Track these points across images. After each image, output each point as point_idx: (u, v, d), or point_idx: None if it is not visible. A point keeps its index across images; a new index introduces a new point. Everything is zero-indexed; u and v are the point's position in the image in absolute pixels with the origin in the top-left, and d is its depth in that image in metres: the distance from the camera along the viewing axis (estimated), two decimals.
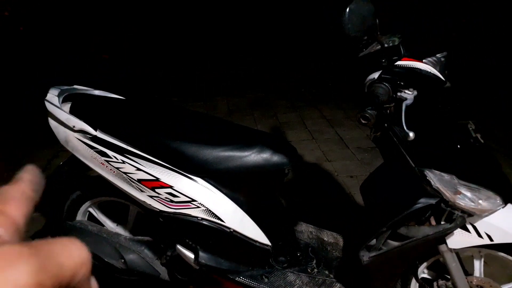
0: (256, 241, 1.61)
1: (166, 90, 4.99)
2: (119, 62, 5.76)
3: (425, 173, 1.30)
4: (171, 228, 1.61)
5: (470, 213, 1.37)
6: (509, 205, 1.43)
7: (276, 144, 1.60)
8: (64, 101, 1.69)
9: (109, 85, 1.91)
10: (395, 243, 1.44)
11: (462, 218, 1.36)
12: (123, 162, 1.54)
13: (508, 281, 1.61)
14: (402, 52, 1.23)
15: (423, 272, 1.67)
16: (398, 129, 1.28)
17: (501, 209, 1.40)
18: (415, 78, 1.22)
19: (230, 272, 1.61)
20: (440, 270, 1.63)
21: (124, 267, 1.69)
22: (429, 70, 1.23)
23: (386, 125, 1.31)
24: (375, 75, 1.26)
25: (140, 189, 1.56)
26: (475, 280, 1.57)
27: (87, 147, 1.58)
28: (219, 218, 1.54)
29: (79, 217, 1.91)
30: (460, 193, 1.33)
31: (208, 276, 1.64)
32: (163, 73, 5.51)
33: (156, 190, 1.53)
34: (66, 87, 1.76)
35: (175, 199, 1.53)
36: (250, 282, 1.61)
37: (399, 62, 1.22)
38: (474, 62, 4.73)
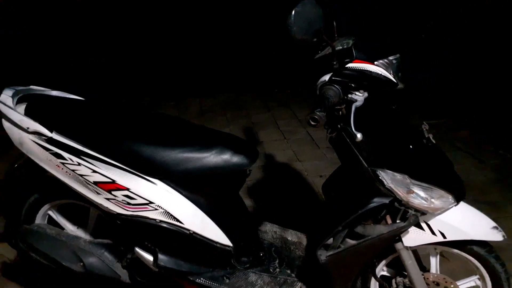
0: (217, 242, 1.61)
1: (138, 90, 4.94)
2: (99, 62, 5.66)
3: (378, 173, 1.32)
4: (129, 230, 1.59)
5: (423, 212, 1.40)
6: (461, 203, 1.47)
7: (236, 145, 1.60)
8: (19, 101, 1.65)
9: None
10: (353, 242, 1.46)
11: (416, 217, 1.39)
12: (79, 164, 1.51)
13: (466, 277, 1.64)
14: (354, 54, 1.24)
15: (382, 270, 1.70)
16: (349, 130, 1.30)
17: (453, 207, 1.43)
18: (365, 80, 1.24)
19: (191, 274, 1.60)
20: (398, 267, 1.66)
21: (83, 270, 1.66)
22: (380, 72, 1.25)
23: (339, 126, 1.32)
24: (327, 77, 1.27)
25: (96, 192, 1.53)
26: (431, 277, 1.60)
27: (42, 149, 1.54)
28: (178, 220, 1.53)
29: (38, 220, 1.86)
30: (413, 192, 1.36)
31: (169, 279, 1.63)
32: (136, 72, 5.44)
33: (113, 192, 1.51)
34: (21, 88, 1.71)
35: (132, 202, 1.51)
36: (210, 284, 1.60)
37: (350, 65, 1.24)
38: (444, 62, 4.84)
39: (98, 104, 1.76)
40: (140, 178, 1.51)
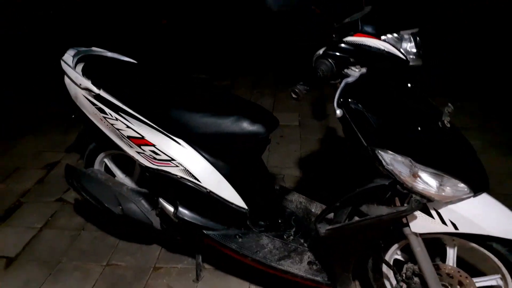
0: (233, 203, 1.71)
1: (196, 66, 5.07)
2: (177, 28, 5.94)
3: (377, 153, 1.27)
4: (155, 182, 1.76)
5: (430, 199, 1.32)
6: (483, 195, 1.36)
7: (255, 113, 1.65)
8: (80, 61, 1.89)
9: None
10: (353, 220, 1.45)
11: (418, 203, 1.33)
12: (116, 119, 1.70)
13: (483, 275, 1.53)
14: (360, 27, 1.20)
15: (396, 254, 1.65)
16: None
17: (470, 198, 1.33)
18: (362, 55, 1.19)
19: (206, 228, 1.73)
20: (412, 253, 1.60)
21: (121, 213, 1.89)
22: (383, 48, 1.18)
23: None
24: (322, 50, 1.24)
25: (129, 145, 1.72)
26: (445, 268, 1.52)
27: (90, 104, 1.77)
28: (196, 178, 1.66)
29: (96, 165, 2.15)
30: (417, 176, 1.29)
31: (187, 230, 1.79)
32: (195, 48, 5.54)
33: (142, 147, 1.69)
34: (83, 48, 1.96)
35: (157, 157, 1.67)
36: (222, 240, 1.72)
37: (348, 38, 1.19)
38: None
39: (144, 68, 1.94)
40: (165, 137, 1.66)
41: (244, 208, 1.72)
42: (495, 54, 4.84)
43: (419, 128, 1.28)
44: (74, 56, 1.87)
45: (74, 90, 1.82)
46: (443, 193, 1.30)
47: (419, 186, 1.30)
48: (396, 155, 1.27)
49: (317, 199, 2.00)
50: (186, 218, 1.71)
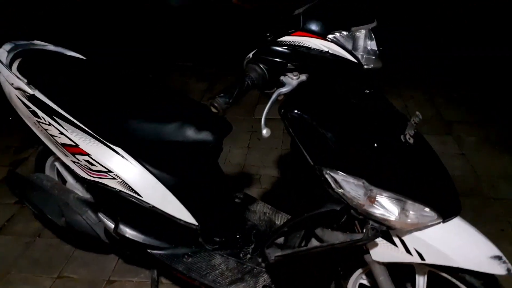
0: (180, 220, 1.52)
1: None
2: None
3: (325, 173, 1.07)
4: (94, 195, 1.58)
5: (390, 226, 1.13)
6: (455, 220, 1.16)
7: (202, 119, 1.45)
8: (17, 56, 1.69)
9: None
10: (303, 248, 1.25)
11: (376, 231, 1.13)
12: (50, 124, 1.52)
13: None
14: (301, 24, 0.98)
15: (361, 278, 1.46)
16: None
17: (439, 224, 1.14)
18: (298, 58, 0.98)
19: (150, 247, 1.55)
20: None
21: (65, 225, 1.72)
22: (325, 49, 0.97)
23: (281, 112, 1.09)
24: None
25: (64, 154, 1.54)
26: None
27: (23, 105, 1.58)
28: (136, 192, 1.47)
29: (47, 170, 1.98)
30: (373, 201, 1.09)
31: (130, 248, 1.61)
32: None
33: (76, 156, 1.50)
34: (22, 42, 1.76)
35: (93, 168, 1.49)
36: (168, 260, 1.54)
37: (284, 38, 0.98)
38: None
39: (90, 66, 1.74)
40: (102, 145, 1.47)
41: (194, 224, 1.54)
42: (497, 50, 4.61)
43: (375, 145, 1.07)
44: (10, 51, 1.68)
45: (8, 89, 1.63)
46: (406, 220, 1.11)
47: (377, 212, 1.10)
48: (347, 176, 1.07)
49: (288, 207, 1.81)
50: (127, 236, 1.53)
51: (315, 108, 1.07)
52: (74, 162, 1.52)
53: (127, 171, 1.47)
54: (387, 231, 1.18)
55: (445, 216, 1.13)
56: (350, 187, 1.08)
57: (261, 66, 0.96)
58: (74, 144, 1.48)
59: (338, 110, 1.08)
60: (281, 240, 1.33)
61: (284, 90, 0.98)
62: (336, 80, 1.06)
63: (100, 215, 1.58)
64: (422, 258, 1.17)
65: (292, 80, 0.99)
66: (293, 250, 1.24)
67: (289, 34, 0.98)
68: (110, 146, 1.47)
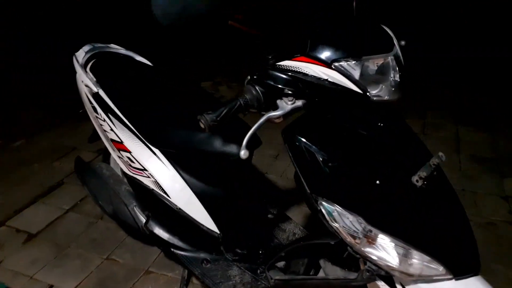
0: (203, 225, 1.58)
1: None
2: None
3: (319, 203, 1.03)
4: (133, 190, 1.71)
5: (388, 272, 1.04)
6: (471, 280, 1.03)
7: (232, 132, 1.48)
8: (93, 57, 1.91)
9: None
10: (301, 276, 1.21)
11: (371, 274, 1.05)
12: (104, 120, 1.68)
13: None
14: (308, 49, 0.96)
15: None
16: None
17: (451, 281, 1.02)
18: (297, 85, 0.95)
19: (174, 246, 1.63)
20: None
21: (111, 212, 1.89)
22: (324, 77, 0.93)
23: (283, 135, 1.07)
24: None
25: (112, 148, 1.69)
26: None
27: (88, 101, 1.78)
28: (166, 193, 1.56)
29: (111, 161, 2.18)
30: (372, 242, 1.02)
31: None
32: None
33: (121, 152, 1.64)
34: (99, 45, 1.98)
35: (133, 164, 1.61)
36: (187, 261, 1.60)
37: (283, 62, 0.96)
38: None
39: (152, 72, 1.88)
40: (143, 145, 1.59)
41: (215, 232, 1.58)
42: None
43: (377, 182, 1.00)
44: (87, 52, 1.90)
45: (80, 85, 1.85)
46: (408, 269, 1.01)
47: (374, 254, 1.02)
48: (344, 210, 1.02)
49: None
50: (155, 232, 1.63)
51: (318, 136, 1.03)
52: (119, 157, 1.67)
53: (160, 172, 1.56)
54: (390, 276, 1.09)
55: (457, 273, 1.01)
56: (346, 222, 1.02)
57: (257, 88, 0.96)
58: (120, 140, 1.62)
59: (343, 141, 1.03)
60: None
61: (274, 114, 0.97)
62: (339, 109, 1.02)
63: (135, 208, 1.70)
64: None
65: (286, 105, 0.98)
66: (290, 277, 1.21)
67: (290, 59, 0.97)
68: (150, 147, 1.58)
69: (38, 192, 2.70)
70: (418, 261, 1.01)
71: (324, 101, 0.99)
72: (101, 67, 1.83)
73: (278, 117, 0.97)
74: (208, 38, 4.59)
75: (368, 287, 1.15)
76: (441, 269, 1.00)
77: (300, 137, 1.04)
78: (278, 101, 0.99)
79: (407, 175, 1.02)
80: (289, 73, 0.94)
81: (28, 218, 2.47)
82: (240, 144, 1.44)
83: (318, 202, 1.03)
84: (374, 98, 0.98)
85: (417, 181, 0.99)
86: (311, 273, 1.26)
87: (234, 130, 1.51)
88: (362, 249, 1.02)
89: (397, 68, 1.02)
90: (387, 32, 1.03)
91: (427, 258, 1.00)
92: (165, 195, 1.56)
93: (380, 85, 1.01)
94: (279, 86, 0.95)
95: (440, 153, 1.07)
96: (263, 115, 0.97)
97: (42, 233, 2.34)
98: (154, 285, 1.98)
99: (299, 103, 0.99)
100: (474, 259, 1.05)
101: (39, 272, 2.07)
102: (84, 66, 1.84)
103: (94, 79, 1.75)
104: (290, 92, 0.95)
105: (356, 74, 0.96)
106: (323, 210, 1.03)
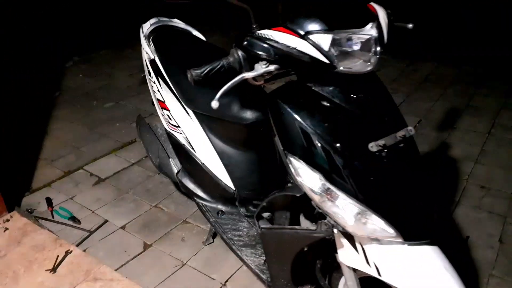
0: (221, 180, 1.79)
1: None
2: None
3: (288, 159, 1.17)
4: (170, 144, 1.98)
5: (344, 228, 1.15)
6: (426, 248, 1.11)
7: (249, 98, 1.66)
8: (157, 29, 2.21)
9: None
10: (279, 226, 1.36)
11: (328, 227, 1.18)
12: (154, 82, 1.97)
13: None
14: (288, 21, 1.09)
15: None
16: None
17: (404, 245, 1.11)
18: (269, 53, 1.08)
19: (197, 196, 1.87)
20: None
21: (157, 164, 2.19)
22: (293, 46, 1.05)
23: (267, 98, 1.21)
24: None
25: (158, 107, 1.98)
26: None
27: (146, 66, 2.08)
28: (193, 148, 1.80)
29: None
30: (331, 199, 1.14)
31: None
32: None
33: (163, 110, 1.92)
34: (165, 19, 2.27)
35: (170, 121, 1.88)
36: (206, 210, 1.83)
37: (263, 31, 1.09)
38: None
39: (203, 45, 2.11)
40: (180, 105, 1.84)
41: (231, 189, 1.78)
42: None
43: (337, 145, 1.11)
44: (153, 24, 2.20)
45: (143, 52, 2.17)
46: (361, 228, 1.12)
47: (331, 210, 1.14)
48: (306, 166, 1.14)
49: None
50: (183, 182, 1.89)
51: (297, 102, 1.16)
52: (161, 115, 1.95)
53: (191, 130, 1.81)
54: (351, 235, 1.19)
55: (407, 237, 1.09)
56: (309, 178, 1.15)
57: (239, 52, 1.12)
58: (163, 100, 1.90)
59: (317, 107, 1.15)
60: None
61: (248, 74, 1.11)
62: (316, 79, 1.14)
63: (170, 159, 1.98)
64: (378, 273, 1.15)
65: (260, 68, 1.11)
66: (271, 226, 1.37)
67: (270, 29, 1.11)
68: (185, 108, 1.83)
69: (114, 146, 3.14)
70: (371, 221, 1.10)
71: (292, 67, 1.13)
72: (161, 38, 2.12)
73: (253, 77, 1.12)
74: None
75: (337, 245, 1.25)
76: (391, 231, 1.08)
77: (280, 101, 1.18)
78: (256, 64, 1.14)
79: (365, 142, 1.11)
80: (264, 40, 1.09)
81: (101, 166, 2.91)
82: (254, 110, 1.62)
83: (288, 158, 1.17)
84: (341, 69, 1.08)
85: (372, 147, 1.08)
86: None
87: (251, 97, 1.69)
88: (322, 204, 1.15)
89: (376, 46, 1.11)
90: (370, 9, 1.12)
91: (379, 220, 1.09)
92: (192, 150, 1.81)
93: (357, 59, 1.11)
94: (254, 51, 1.10)
95: (409, 127, 1.14)
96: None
97: (109, 179, 2.76)
98: (188, 233, 2.25)
99: (271, 67, 1.12)
100: (429, 228, 1.11)
101: (100, 209, 2.47)
102: (148, 36, 2.15)
103: (153, 48, 2.04)
104: (264, 57, 1.10)
105: (326, 46, 1.07)
106: (291, 166, 1.17)
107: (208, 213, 1.83)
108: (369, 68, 1.11)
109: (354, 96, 1.15)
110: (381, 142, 1.09)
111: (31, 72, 4.49)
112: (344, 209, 1.12)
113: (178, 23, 2.28)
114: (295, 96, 1.18)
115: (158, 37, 2.12)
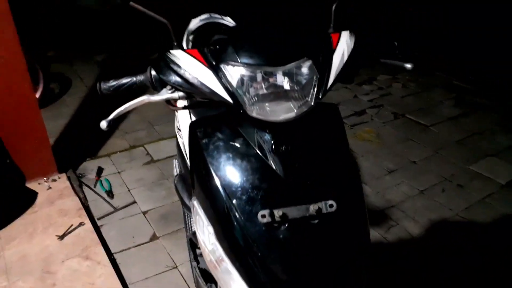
0: None
1: None
2: None
3: (192, 202, 1.01)
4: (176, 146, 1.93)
5: None
6: None
7: None
8: (206, 24, 2.15)
9: None
10: None
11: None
12: None
13: None
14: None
15: None
16: None
17: None
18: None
19: (185, 205, 1.78)
20: None
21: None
22: (193, 75, 0.87)
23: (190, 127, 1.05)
24: None
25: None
26: None
27: None
28: (186, 155, 1.72)
29: None
30: (217, 262, 0.96)
31: None
32: None
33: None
34: (216, 16, 2.19)
35: (176, 123, 1.83)
36: (188, 220, 1.74)
37: (176, 52, 0.92)
38: None
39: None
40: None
41: None
42: None
43: (234, 202, 0.90)
44: (202, 20, 2.15)
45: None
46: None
47: (216, 275, 0.96)
48: (204, 216, 0.97)
49: None
50: (177, 187, 1.82)
51: (213, 140, 0.99)
52: (176, 113, 1.90)
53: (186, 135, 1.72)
54: None
55: None
56: (203, 230, 0.98)
57: (153, 72, 0.98)
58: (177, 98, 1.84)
59: (232, 154, 0.96)
60: None
61: (149, 98, 0.96)
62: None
63: (174, 162, 1.93)
64: None
65: (165, 92, 0.97)
66: None
67: (184, 50, 0.94)
68: (189, 111, 1.74)
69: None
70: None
71: (194, 96, 0.95)
72: (203, 32, 2.06)
73: (155, 101, 0.98)
74: None
75: None
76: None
77: (198, 133, 1.01)
78: (164, 88, 0.99)
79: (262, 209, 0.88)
80: (168, 64, 0.93)
81: (160, 147, 3.03)
82: None
83: (191, 201, 1.02)
84: (254, 114, 0.87)
85: (262, 216, 0.85)
86: None
87: None
88: (210, 265, 0.97)
89: (303, 90, 0.87)
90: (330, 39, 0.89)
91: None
92: (186, 157, 1.72)
93: (278, 103, 0.89)
94: (158, 74, 0.95)
95: (330, 202, 0.87)
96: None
97: (159, 162, 2.86)
98: None
99: (175, 94, 0.97)
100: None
101: (135, 189, 2.57)
102: (193, 32, 2.10)
103: (191, 44, 1.99)
104: (166, 81, 0.94)
105: (234, 82, 0.87)
106: (193, 210, 1.01)
107: (190, 226, 1.74)
108: (289, 116, 0.87)
109: (278, 147, 0.92)
110: (280, 212, 0.86)
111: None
112: (230, 274, 0.93)
113: (230, 22, 2.18)
114: (215, 131, 1.00)
115: (202, 31, 2.07)
